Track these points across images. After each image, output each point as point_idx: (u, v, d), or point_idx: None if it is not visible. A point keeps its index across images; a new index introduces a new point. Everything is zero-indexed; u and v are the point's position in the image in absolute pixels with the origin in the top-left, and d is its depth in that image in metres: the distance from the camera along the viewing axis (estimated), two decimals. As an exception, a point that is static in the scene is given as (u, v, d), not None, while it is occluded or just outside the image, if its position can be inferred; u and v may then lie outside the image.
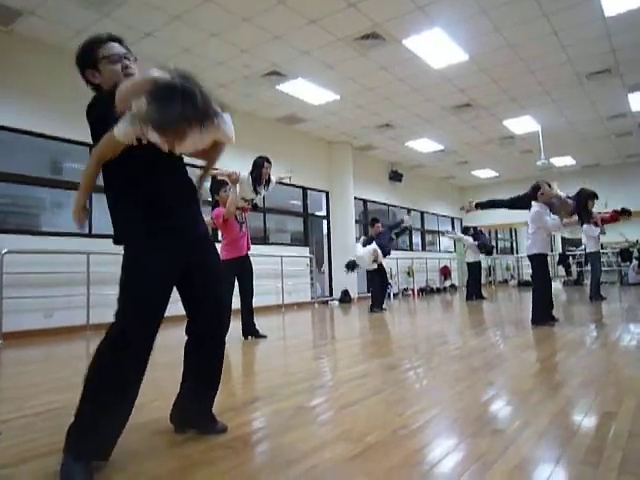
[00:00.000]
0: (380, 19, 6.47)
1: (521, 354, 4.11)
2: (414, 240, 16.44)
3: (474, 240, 11.07)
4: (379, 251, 8.29)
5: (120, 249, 1.94)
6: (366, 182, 13.54)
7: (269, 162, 5.36)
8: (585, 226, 8.83)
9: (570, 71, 8.43)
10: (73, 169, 7.77)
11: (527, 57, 7.80)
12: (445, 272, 16.59)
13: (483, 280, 16.12)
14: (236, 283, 5.26)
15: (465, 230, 11.80)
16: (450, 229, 10.56)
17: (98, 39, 2.02)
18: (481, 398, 2.66)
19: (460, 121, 11.00)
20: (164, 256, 1.88)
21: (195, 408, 2.15)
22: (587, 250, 9.67)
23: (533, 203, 5.82)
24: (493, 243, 21.90)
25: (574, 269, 17.07)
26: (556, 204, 5.75)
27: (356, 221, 12.94)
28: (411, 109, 10.10)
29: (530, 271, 6.11)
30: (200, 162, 2.25)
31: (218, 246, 5.56)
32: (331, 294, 12.16)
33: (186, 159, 2.14)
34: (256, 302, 5.52)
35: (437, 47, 7.27)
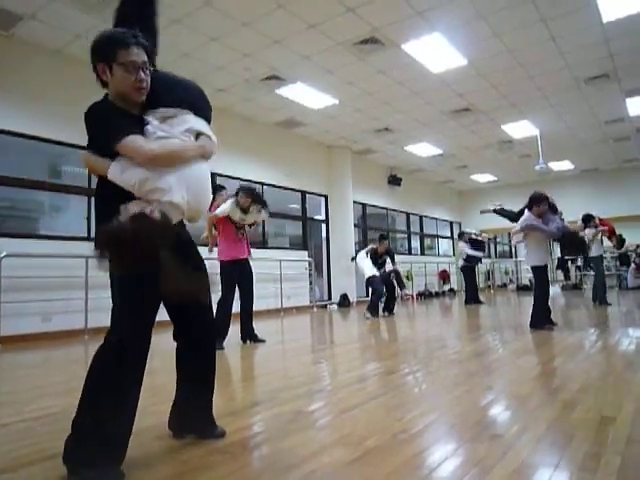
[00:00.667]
0: (379, 24, 6.49)
1: (519, 358, 4.11)
2: (413, 244, 16.46)
3: (471, 247, 11.08)
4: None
5: None
6: (365, 186, 13.56)
7: (245, 192, 5.15)
8: (587, 230, 8.86)
9: (568, 76, 8.46)
10: (72, 173, 7.78)
11: (525, 62, 7.83)
12: (444, 276, 16.58)
13: (482, 284, 16.16)
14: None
15: (460, 235, 11.77)
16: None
17: (122, 40, 1.89)
18: (480, 403, 2.66)
19: (459, 125, 11.03)
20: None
21: (192, 413, 2.15)
22: (590, 254, 9.46)
23: (525, 211, 5.83)
24: (492, 248, 21.97)
25: (573, 273, 17.09)
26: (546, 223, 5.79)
27: (355, 225, 12.95)
28: (410, 113, 10.13)
29: (529, 275, 6.13)
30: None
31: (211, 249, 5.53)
32: (330, 298, 12.15)
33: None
34: (255, 306, 5.51)
35: (436, 52, 7.30)
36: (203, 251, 2.45)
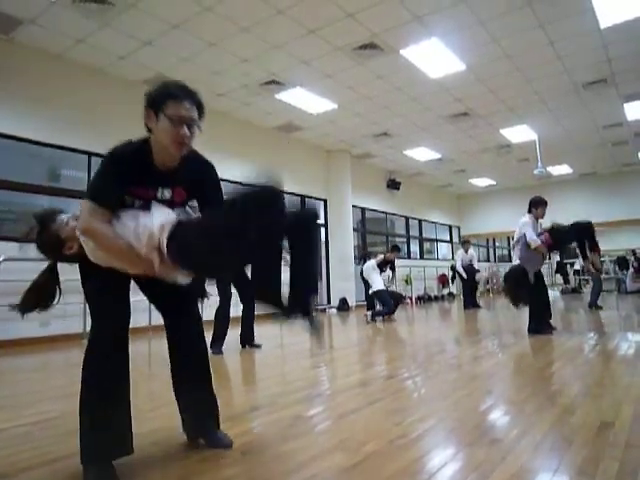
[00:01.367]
0: (378, 29, 6.52)
1: (518, 363, 4.12)
2: (412, 248, 16.46)
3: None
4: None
5: None
6: (364, 190, 13.57)
7: None
8: None
9: (566, 81, 8.49)
10: (71, 177, 7.79)
11: (524, 67, 7.86)
12: (443, 280, 16.57)
13: (481, 288, 16.13)
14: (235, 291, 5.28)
15: (464, 243, 11.61)
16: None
17: (176, 94, 1.87)
18: (479, 407, 2.66)
19: (457, 130, 11.06)
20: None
21: (196, 420, 2.16)
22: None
23: (526, 214, 5.87)
24: (492, 252, 21.98)
25: (572, 277, 17.10)
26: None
27: (354, 229, 12.95)
28: (409, 118, 10.16)
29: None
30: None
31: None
32: (329, 302, 12.15)
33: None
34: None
35: (434, 57, 7.32)
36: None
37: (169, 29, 6.29)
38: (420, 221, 16.89)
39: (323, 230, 12.46)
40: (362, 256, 9.27)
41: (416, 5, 5.98)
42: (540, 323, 5.67)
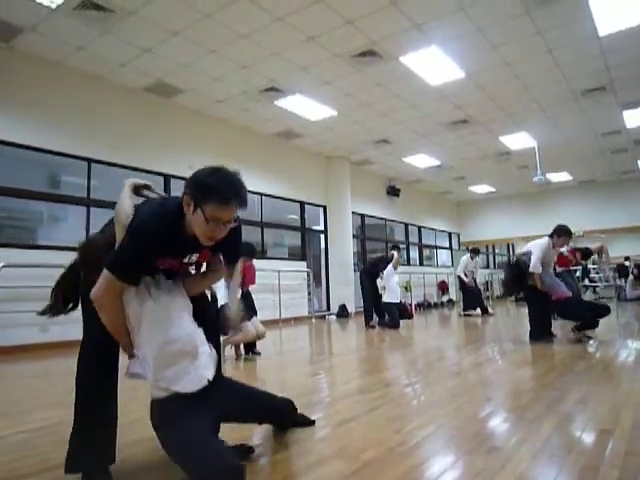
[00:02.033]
0: (377, 37, 6.55)
1: (518, 370, 4.11)
2: (412, 255, 16.47)
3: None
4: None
5: None
6: (364, 197, 13.60)
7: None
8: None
9: (565, 88, 8.53)
10: (71, 183, 7.80)
11: (523, 74, 7.89)
12: (443, 287, 16.57)
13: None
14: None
15: (474, 251, 11.55)
16: None
17: (225, 198, 1.73)
18: (478, 415, 2.66)
19: (457, 137, 11.09)
20: None
21: None
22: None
23: (546, 237, 5.76)
24: (491, 258, 21.97)
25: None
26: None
27: (354, 236, 12.96)
28: (408, 125, 10.18)
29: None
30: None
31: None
32: (329, 308, 12.13)
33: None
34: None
35: (434, 64, 7.36)
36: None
37: (169, 36, 6.31)
38: (420, 228, 16.90)
39: (322, 236, 12.48)
40: (379, 259, 9.12)
41: (415, 13, 6.01)
42: (541, 330, 5.66)
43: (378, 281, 8.73)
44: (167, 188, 8.36)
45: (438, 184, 16.15)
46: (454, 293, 16.92)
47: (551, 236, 5.75)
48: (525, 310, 6.18)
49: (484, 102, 9.01)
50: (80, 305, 1.97)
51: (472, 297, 10.88)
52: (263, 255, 10.60)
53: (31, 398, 3.58)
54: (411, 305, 13.90)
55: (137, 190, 2.00)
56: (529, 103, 9.17)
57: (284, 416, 2.36)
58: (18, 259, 6.15)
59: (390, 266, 8.45)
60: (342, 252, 12.18)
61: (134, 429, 2.39)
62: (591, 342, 5.38)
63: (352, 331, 8.67)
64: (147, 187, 2.03)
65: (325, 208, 12.43)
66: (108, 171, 7.36)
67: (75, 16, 5.80)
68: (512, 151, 12.30)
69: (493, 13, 6.07)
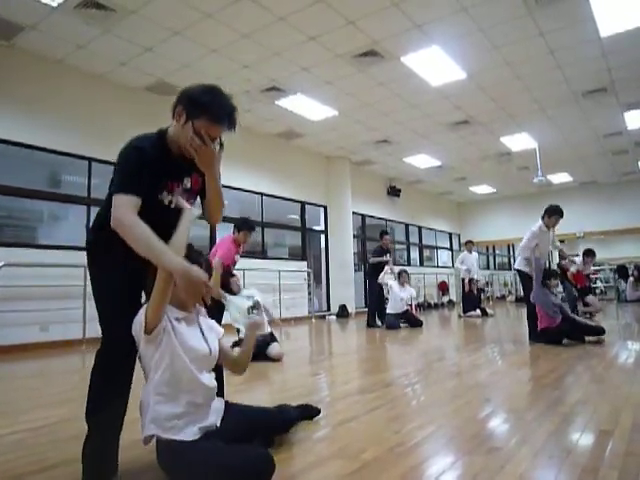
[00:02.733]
0: (378, 37, 6.55)
1: (518, 371, 4.11)
2: (412, 255, 16.46)
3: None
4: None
5: None
6: (364, 197, 13.59)
7: (233, 276, 5.29)
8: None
9: (566, 90, 8.52)
10: (71, 182, 7.80)
11: (524, 75, 7.88)
12: (443, 287, 16.56)
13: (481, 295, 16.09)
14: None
15: (468, 244, 11.69)
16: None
17: (217, 117, 1.85)
18: (478, 415, 2.65)
19: (458, 137, 11.08)
20: (122, 271, 1.87)
21: None
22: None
23: (540, 220, 5.90)
24: (491, 259, 21.98)
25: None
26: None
27: (354, 236, 12.96)
28: (409, 125, 10.18)
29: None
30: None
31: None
32: (329, 309, 12.13)
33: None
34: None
35: (435, 65, 7.35)
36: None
37: (170, 35, 6.31)
38: (420, 228, 16.89)
39: (323, 236, 12.48)
40: (374, 252, 9.22)
41: (417, 13, 6.00)
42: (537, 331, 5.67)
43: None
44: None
45: (439, 184, 16.14)
46: (454, 294, 16.94)
47: (542, 218, 5.94)
48: (524, 311, 6.17)
49: (485, 103, 9.01)
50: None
51: (472, 298, 10.93)
52: (264, 255, 10.59)
53: (29, 397, 3.58)
54: (411, 306, 13.89)
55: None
56: (530, 104, 9.16)
57: (288, 425, 2.36)
58: (18, 258, 6.15)
59: (387, 271, 8.59)
60: (342, 252, 12.17)
61: (134, 430, 2.38)
62: (595, 341, 5.37)
63: (352, 331, 8.67)
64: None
65: (326, 208, 12.42)
66: (109, 170, 7.33)
67: (76, 14, 5.80)
68: (513, 152, 12.29)
69: (495, 14, 6.06)
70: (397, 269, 9.07)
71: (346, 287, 12.03)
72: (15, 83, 6.56)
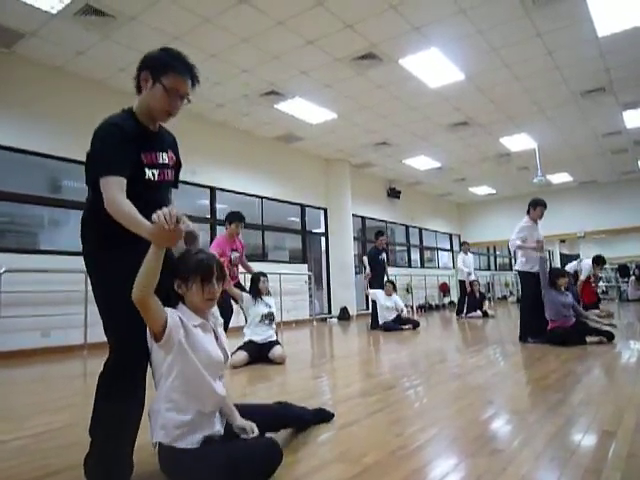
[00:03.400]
0: (377, 40, 6.56)
1: (520, 372, 4.10)
2: (413, 257, 16.45)
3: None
4: None
5: None
6: (364, 199, 13.60)
7: (264, 276, 5.41)
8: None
9: (565, 90, 8.53)
10: (72, 188, 7.80)
11: (522, 76, 7.89)
12: (444, 289, 16.56)
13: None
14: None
15: (463, 244, 11.84)
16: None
17: (180, 69, 1.92)
18: (480, 417, 2.65)
19: (457, 139, 11.09)
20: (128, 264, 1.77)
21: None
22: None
23: (525, 215, 5.95)
24: (492, 260, 21.97)
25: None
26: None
27: (354, 238, 12.96)
28: (408, 127, 10.19)
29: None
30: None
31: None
32: (330, 311, 12.12)
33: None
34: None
35: (433, 67, 7.36)
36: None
37: (169, 41, 6.32)
38: (420, 230, 16.89)
39: (323, 239, 12.48)
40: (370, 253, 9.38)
41: (415, 15, 6.02)
42: (531, 331, 5.68)
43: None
44: (168, 192, 8.35)
45: (438, 186, 16.15)
46: (455, 295, 16.92)
47: (528, 212, 6.02)
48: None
49: (484, 104, 9.02)
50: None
51: (473, 299, 10.97)
52: (264, 258, 10.59)
53: (31, 403, 3.58)
54: (412, 307, 13.90)
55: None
56: (529, 105, 9.17)
57: (296, 420, 2.42)
58: (19, 264, 6.15)
59: (376, 291, 8.69)
60: (343, 255, 12.17)
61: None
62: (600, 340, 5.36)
63: (353, 334, 8.67)
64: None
65: (326, 211, 12.43)
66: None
67: (76, 21, 5.82)
68: (512, 152, 12.30)
69: (493, 15, 6.08)
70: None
71: (347, 289, 12.03)
72: (15, 90, 6.57)
